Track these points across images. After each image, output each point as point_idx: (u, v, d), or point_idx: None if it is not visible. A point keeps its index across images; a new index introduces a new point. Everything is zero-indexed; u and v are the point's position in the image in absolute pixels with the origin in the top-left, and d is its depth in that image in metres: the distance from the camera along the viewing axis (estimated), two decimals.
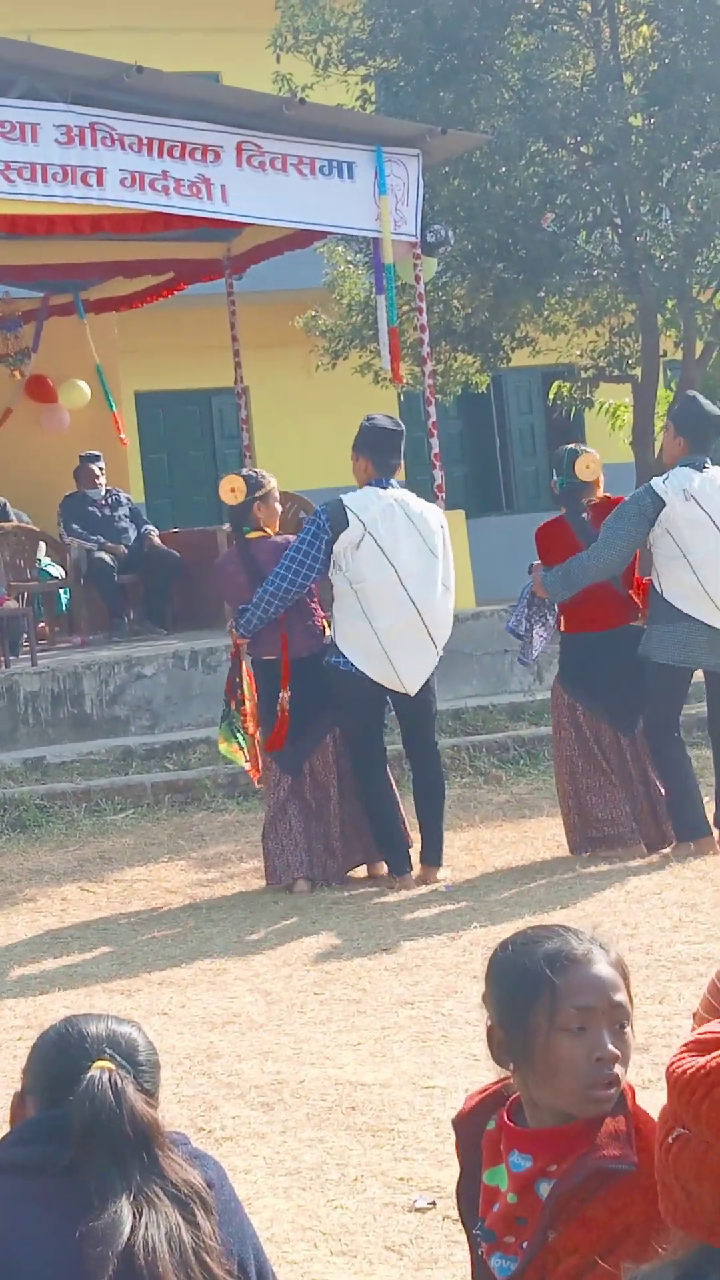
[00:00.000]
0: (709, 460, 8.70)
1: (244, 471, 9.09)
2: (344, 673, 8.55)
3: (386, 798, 8.65)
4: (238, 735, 8.95)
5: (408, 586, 8.46)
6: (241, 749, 8.93)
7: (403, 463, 8.83)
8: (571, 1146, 2.85)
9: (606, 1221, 2.81)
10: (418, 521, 8.54)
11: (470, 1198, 3.03)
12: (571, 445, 9.29)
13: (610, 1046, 2.84)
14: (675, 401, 9.37)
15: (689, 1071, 2.08)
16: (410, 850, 8.68)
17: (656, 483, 8.64)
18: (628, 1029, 2.88)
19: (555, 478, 8.96)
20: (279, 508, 9.10)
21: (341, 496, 8.62)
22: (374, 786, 8.67)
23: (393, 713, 8.90)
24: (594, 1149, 2.82)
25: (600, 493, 8.92)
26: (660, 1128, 2.14)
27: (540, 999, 2.85)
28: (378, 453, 8.64)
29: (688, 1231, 2.04)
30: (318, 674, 8.66)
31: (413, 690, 8.56)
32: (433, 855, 8.67)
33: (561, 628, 8.97)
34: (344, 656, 8.53)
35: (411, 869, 8.64)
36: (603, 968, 2.88)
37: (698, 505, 8.52)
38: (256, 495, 8.84)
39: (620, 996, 2.88)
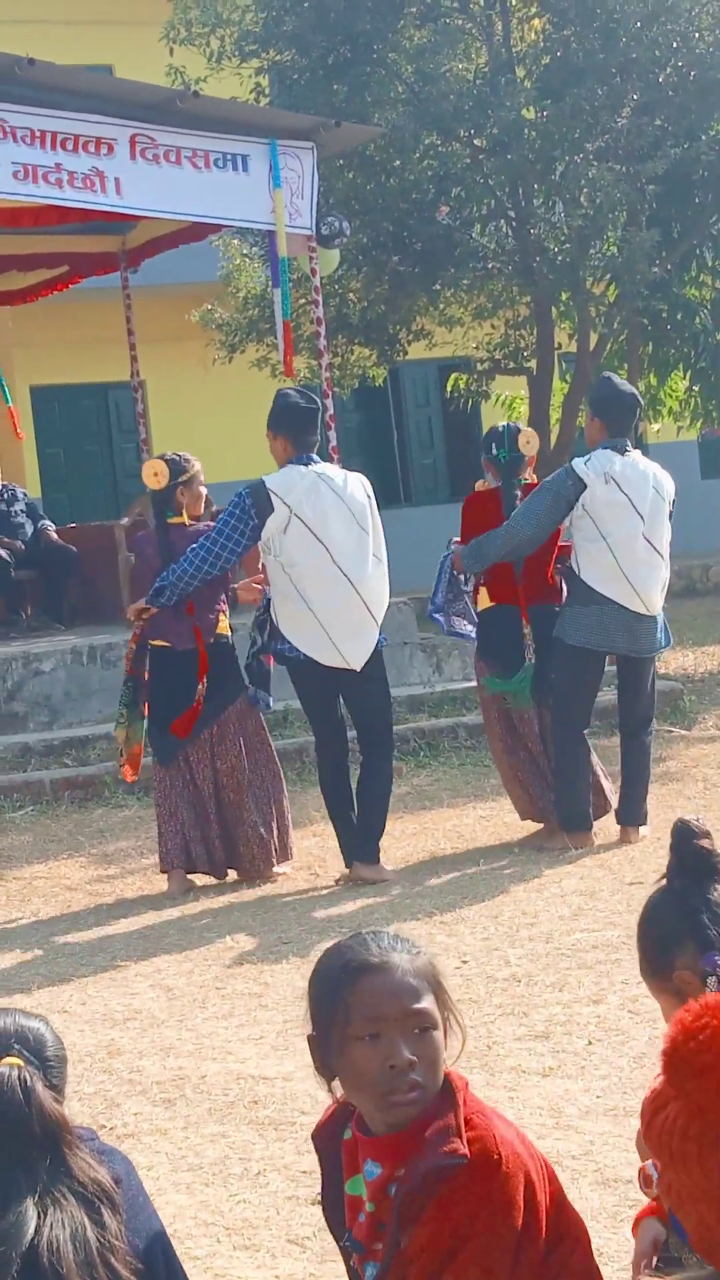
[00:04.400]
0: (629, 443, 8.74)
1: (168, 455, 8.84)
2: (291, 659, 8.34)
3: (332, 792, 8.49)
4: (133, 724, 8.69)
5: (341, 565, 8.26)
6: (139, 739, 8.71)
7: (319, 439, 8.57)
8: (410, 1149, 2.88)
9: (448, 1217, 2.84)
10: (344, 495, 8.34)
11: (336, 1209, 3.05)
12: (508, 422, 9.35)
13: (405, 1054, 2.85)
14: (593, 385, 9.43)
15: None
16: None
17: (578, 464, 8.63)
18: (434, 1033, 2.89)
19: (495, 451, 8.84)
20: (203, 491, 8.87)
21: (264, 478, 8.37)
22: (327, 779, 8.52)
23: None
24: (426, 1148, 2.85)
25: (532, 473, 8.97)
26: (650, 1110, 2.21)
27: (336, 1009, 2.89)
28: (295, 431, 8.42)
29: (710, 1259, 2.15)
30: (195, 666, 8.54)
31: (358, 665, 8.35)
32: (367, 850, 8.41)
33: (479, 604, 8.95)
34: (289, 643, 8.32)
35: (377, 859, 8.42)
36: (395, 976, 2.89)
37: (618, 488, 8.54)
38: (180, 480, 8.68)
39: (419, 1004, 2.88)
